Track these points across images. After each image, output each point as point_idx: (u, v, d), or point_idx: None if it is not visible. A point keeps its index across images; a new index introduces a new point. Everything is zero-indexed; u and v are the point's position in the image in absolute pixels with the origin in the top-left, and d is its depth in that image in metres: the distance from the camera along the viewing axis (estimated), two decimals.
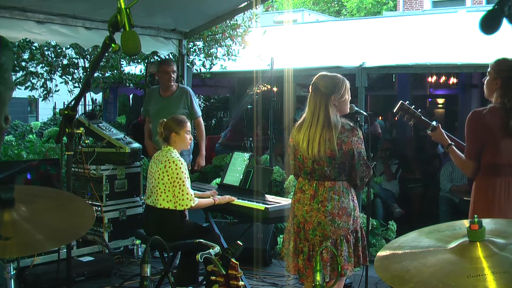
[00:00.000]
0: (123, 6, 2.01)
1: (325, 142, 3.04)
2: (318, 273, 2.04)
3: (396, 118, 11.10)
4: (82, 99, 3.51)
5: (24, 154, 5.90)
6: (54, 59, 6.63)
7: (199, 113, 5.40)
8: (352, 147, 3.06)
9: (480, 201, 3.10)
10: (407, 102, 3.42)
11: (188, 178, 3.96)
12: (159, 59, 6.66)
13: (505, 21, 2.14)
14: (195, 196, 3.98)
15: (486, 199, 3.07)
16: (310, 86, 3.18)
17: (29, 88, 6.68)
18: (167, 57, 6.52)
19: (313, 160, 3.09)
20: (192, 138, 4.23)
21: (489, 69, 3.13)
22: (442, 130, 3.30)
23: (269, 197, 4.15)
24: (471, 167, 3.13)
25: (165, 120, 4.09)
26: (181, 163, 3.93)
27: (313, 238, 3.09)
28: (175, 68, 5.35)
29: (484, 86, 3.16)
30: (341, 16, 25.50)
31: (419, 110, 3.40)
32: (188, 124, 4.14)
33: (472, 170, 3.14)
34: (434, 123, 3.30)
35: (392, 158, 7.04)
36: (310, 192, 3.13)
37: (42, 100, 7.02)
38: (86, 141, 4.91)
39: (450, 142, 3.25)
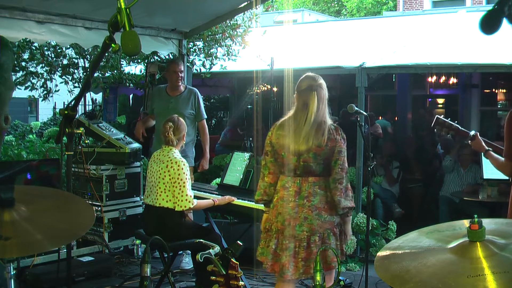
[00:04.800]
0: (123, 6, 2.01)
1: (316, 139, 3.12)
2: (318, 273, 2.05)
3: (396, 118, 11.11)
4: (82, 99, 3.51)
5: (24, 154, 5.90)
6: (54, 59, 6.63)
7: (205, 115, 5.39)
8: (335, 144, 3.15)
9: None
10: (442, 116, 3.49)
11: (189, 179, 3.95)
12: (159, 59, 6.66)
13: (505, 21, 2.14)
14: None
15: None
16: (310, 86, 3.22)
17: (29, 88, 6.67)
18: (167, 57, 6.52)
19: (299, 157, 3.15)
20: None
21: None
22: (480, 138, 3.33)
23: None
24: (509, 167, 3.13)
25: (173, 123, 4.04)
26: (184, 164, 3.93)
27: (300, 234, 3.12)
28: (182, 68, 5.35)
29: None
30: (341, 16, 25.48)
31: (456, 122, 3.44)
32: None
33: (511, 170, 3.14)
34: (472, 132, 3.35)
35: (393, 161, 7.05)
36: (294, 189, 3.17)
37: (42, 100, 7.01)
38: (86, 141, 4.90)
39: (487, 148, 3.29)
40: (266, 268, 3.22)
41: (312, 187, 3.15)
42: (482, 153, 3.34)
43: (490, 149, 3.27)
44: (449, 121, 3.43)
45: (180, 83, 5.28)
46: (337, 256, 2.45)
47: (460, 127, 3.41)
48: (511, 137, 3.09)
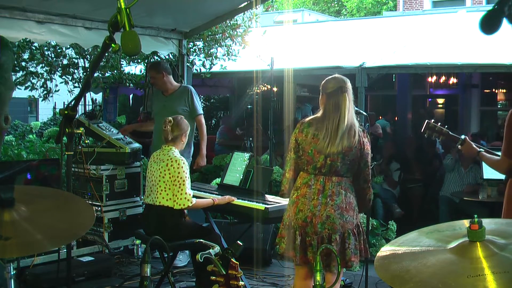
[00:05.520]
0: (123, 6, 2.01)
1: (346, 139, 3.18)
2: (318, 273, 2.04)
3: (396, 118, 11.11)
4: (82, 99, 3.51)
5: (24, 154, 5.90)
6: (54, 59, 6.63)
7: (200, 111, 5.33)
8: (363, 147, 3.24)
9: None
10: (433, 120, 3.50)
11: (188, 178, 3.96)
12: (159, 59, 6.66)
13: (505, 21, 2.14)
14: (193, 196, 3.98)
15: None
16: (340, 88, 3.25)
17: (29, 88, 6.68)
18: (167, 57, 6.52)
19: (326, 155, 3.19)
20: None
21: None
22: (470, 141, 3.35)
23: (269, 197, 4.14)
24: (506, 164, 3.14)
25: (173, 119, 4.05)
26: (183, 162, 3.94)
27: (322, 232, 3.17)
28: (161, 69, 5.25)
29: None
30: (341, 16, 25.48)
31: (446, 126, 3.45)
32: None
33: (507, 167, 3.15)
34: (462, 137, 3.37)
35: (392, 162, 7.04)
36: (317, 187, 3.22)
37: (42, 100, 7.02)
38: (86, 141, 4.89)
39: (478, 149, 3.31)
40: (295, 262, 3.28)
41: (336, 186, 3.21)
42: (475, 156, 3.34)
43: (482, 149, 3.28)
44: (440, 126, 3.44)
45: (162, 85, 5.27)
46: (338, 257, 2.45)
47: (450, 132, 3.42)
48: (511, 134, 3.10)
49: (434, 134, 3.44)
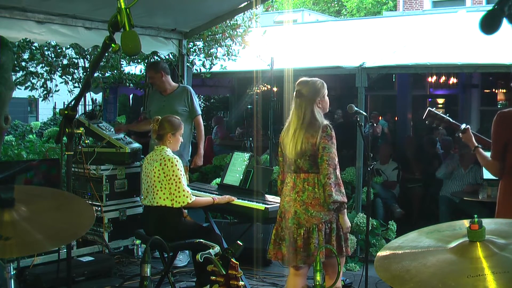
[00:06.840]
0: (123, 6, 2.01)
1: (305, 138, 3.31)
2: (318, 273, 2.05)
3: (396, 118, 11.11)
4: (82, 99, 3.51)
5: (24, 154, 5.90)
6: (54, 59, 6.62)
7: (199, 111, 5.35)
8: (318, 141, 3.28)
9: (506, 202, 3.11)
10: (434, 108, 3.51)
11: (183, 175, 3.96)
12: (159, 59, 6.66)
13: (505, 21, 2.14)
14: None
15: (511, 200, 3.07)
16: (295, 92, 3.45)
17: (29, 88, 6.67)
18: (167, 57, 6.52)
19: (290, 155, 3.39)
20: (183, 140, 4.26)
21: None
22: (471, 132, 3.34)
23: (269, 197, 4.15)
24: (496, 167, 3.19)
25: (160, 118, 4.08)
26: (177, 161, 3.94)
27: (292, 226, 3.34)
28: (159, 69, 5.25)
29: None
30: (341, 16, 25.47)
31: (447, 114, 3.46)
32: (183, 126, 4.20)
33: (497, 170, 3.19)
34: (463, 125, 3.36)
35: (389, 163, 7.05)
36: (290, 184, 3.41)
37: (42, 100, 7.01)
38: (86, 141, 4.90)
39: (476, 144, 3.31)
40: (270, 257, 3.50)
41: (303, 183, 3.35)
42: (471, 149, 3.34)
43: (480, 146, 3.29)
44: (441, 114, 3.46)
45: (161, 84, 5.26)
46: (337, 255, 2.45)
47: (451, 120, 3.43)
48: (496, 137, 3.15)
49: (435, 122, 3.46)
